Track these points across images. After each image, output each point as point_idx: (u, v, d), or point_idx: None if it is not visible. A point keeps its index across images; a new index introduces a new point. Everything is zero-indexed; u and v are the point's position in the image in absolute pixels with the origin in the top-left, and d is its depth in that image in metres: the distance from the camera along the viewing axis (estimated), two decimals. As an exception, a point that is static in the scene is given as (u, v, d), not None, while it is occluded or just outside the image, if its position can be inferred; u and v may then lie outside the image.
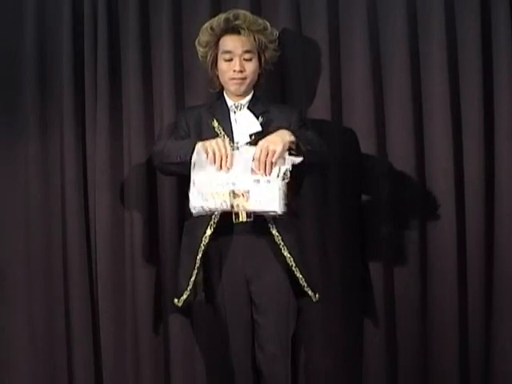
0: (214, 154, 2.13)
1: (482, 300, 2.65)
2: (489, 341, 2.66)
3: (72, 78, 2.71)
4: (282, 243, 2.29)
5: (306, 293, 2.33)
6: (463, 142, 2.64)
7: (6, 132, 2.79)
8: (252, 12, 2.50)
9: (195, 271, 2.32)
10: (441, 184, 2.63)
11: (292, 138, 2.16)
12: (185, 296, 2.36)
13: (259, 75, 2.42)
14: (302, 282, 2.31)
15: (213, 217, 2.29)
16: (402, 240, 2.66)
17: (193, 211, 2.19)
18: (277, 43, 2.42)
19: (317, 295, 2.37)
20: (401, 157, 2.66)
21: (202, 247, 2.31)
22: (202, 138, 2.32)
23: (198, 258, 2.31)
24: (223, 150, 2.14)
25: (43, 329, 2.78)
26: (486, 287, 2.65)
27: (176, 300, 2.40)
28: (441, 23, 2.62)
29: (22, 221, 2.79)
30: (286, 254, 2.30)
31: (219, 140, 2.18)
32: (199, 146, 2.17)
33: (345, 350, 2.70)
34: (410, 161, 2.65)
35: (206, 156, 2.15)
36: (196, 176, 2.16)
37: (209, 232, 2.30)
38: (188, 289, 2.34)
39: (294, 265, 2.30)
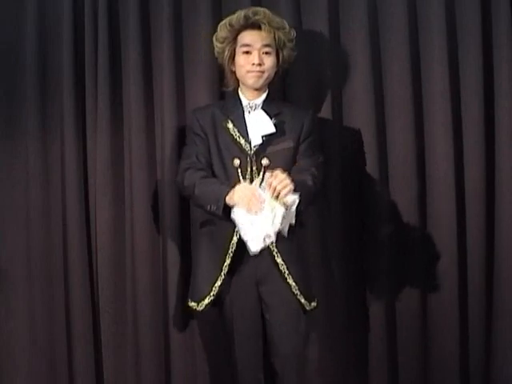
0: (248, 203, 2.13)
1: (482, 301, 2.64)
2: (489, 343, 2.65)
3: (72, 78, 2.71)
4: (276, 250, 2.29)
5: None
6: (463, 142, 2.64)
7: (6, 132, 2.79)
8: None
9: (221, 277, 2.30)
10: (441, 184, 2.63)
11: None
12: (207, 301, 2.33)
13: (275, 74, 2.40)
14: (295, 290, 2.30)
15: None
16: (403, 240, 2.66)
17: (256, 250, 2.17)
18: (294, 43, 2.41)
19: (312, 303, 2.36)
20: (401, 157, 2.66)
21: (231, 254, 2.29)
22: (219, 140, 2.34)
23: (225, 264, 2.30)
24: (251, 198, 2.13)
25: (43, 329, 2.79)
26: (487, 288, 2.64)
27: (194, 303, 2.36)
28: (441, 22, 2.60)
29: (22, 221, 2.79)
30: (279, 260, 2.29)
31: (243, 188, 2.17)
32: (228, 199, 2.17)
33: (347, 350, 2.70)
34: (411, 161, 2.65)
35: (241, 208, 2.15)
36: (248, 218, 2.16)
37: (235, 239, 2.29)
38: (211, 294, 2.32)
39: (287, 272, 2.29)
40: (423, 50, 2.65)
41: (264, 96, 2.40)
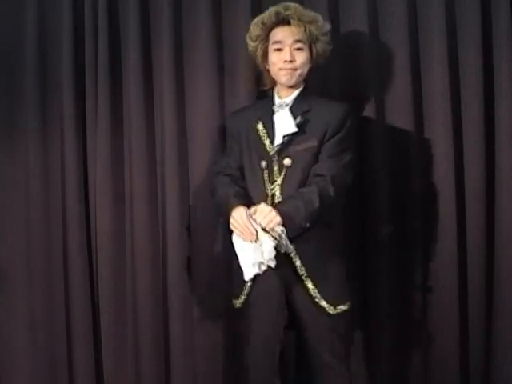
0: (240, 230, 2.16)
1: (482, 301, 2.63)
2: (489, 343, 2.64)
3: (72, 78, 2.72)
4: (294, 252, 2.24)
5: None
6: (463, 142, 2.63)
7: (6, 132, 2.80)
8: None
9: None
10: (441, 184, 2.63)
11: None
12: (241, 300, 2.33)
13: (310, 69, 2.36)
14: (314, 292, 2.25)
15: None
16: (403, 240, 2.66)
17: (249, 277, 2.20)
18: (329, 37, 2.36)
19: (339, 307, 2.27)
20: (401, 157, 2.65)
21: None
22: (250, 141, 2.33)
23: None
24: (245, 228, 2.15)
25: (43, 329, 2.79)
26: (487, 288, 2.63)
27: (235, 301, 2.37)
28: (441, 22, 2.59)
29: (22, 221, 2.80)
30: (297, 263, 2.25)
31: (238, 216, 2.17)
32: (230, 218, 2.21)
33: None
34: (411, 161, 2.64)
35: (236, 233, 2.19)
36: (241, 245, 2.19)
37: None
38: (243, 293, 2.31)
39: (305, 274, 2.24)
40: (423, 50, 2.65)
41: (295, 94, 2.35)
